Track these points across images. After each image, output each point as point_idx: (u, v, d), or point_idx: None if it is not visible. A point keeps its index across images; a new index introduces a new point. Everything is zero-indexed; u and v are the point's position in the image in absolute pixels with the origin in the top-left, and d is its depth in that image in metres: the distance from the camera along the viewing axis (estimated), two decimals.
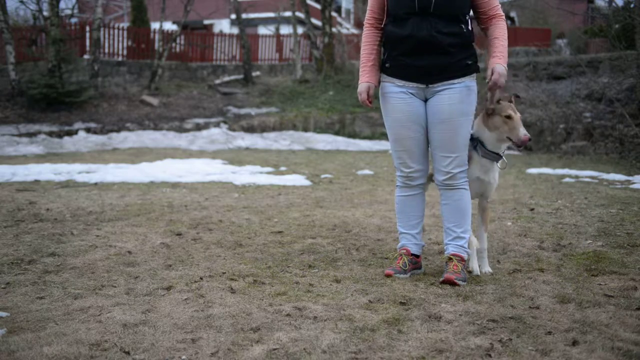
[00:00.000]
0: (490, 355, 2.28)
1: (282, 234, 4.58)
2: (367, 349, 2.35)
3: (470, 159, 3.39)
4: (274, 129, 15.58)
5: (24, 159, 10.13)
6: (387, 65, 3.31)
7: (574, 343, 2.39)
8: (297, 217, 5.26)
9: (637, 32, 13.46)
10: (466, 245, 3.37)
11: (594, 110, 13.99)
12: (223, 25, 28.94)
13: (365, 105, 3.35)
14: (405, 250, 3.46)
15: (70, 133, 13.25)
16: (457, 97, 3.22)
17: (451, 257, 3.32)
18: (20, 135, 12.58)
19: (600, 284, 3.21)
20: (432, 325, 2.61)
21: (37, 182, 7.31)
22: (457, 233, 3.36)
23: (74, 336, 2.45)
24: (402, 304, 2.89)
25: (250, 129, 15.35)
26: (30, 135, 12.67)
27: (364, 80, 3.34)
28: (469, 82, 3.25)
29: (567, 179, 8.15)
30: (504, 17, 3.27)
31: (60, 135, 13.07)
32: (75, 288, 3.14)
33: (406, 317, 2.70)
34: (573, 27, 26.71)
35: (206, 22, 28.55)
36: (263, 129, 15.52)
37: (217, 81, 18.97)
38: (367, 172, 9.01)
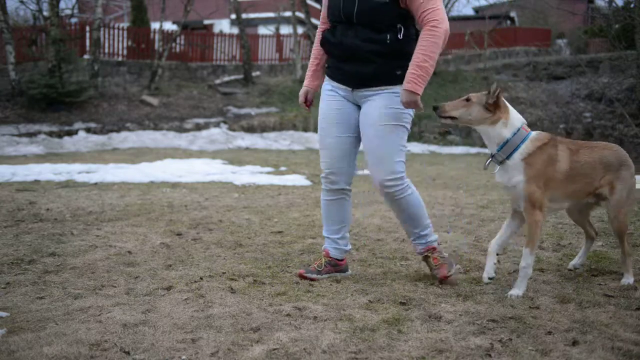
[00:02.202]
0: (490, 355, 2.28)
1: (282, 234, 4.58)
2: (367, 349, 2.35)
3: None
4: (274, 129, 15.58)
5: (24, 159, 10.13)
6: (326, 65, 3.42)
7: (574, 343, 2.39)
8: (297, 217, 5.26)
9: (637, 32, 13.45)
10: (431, 237, 3.35)
11: (594, 110, 14.00)
12: (223, 25, 28.93)
13: (303, 108, 3.50)
14: (325, 252, 3.45)
15: (70, 133, 13.25)
16: (384, 102, 3.15)
17: (426, 254, 3.34)
18: (20, 135, 12.58)
19: (600, 284, 3.21)
20: (432, 325, 2.61)
21: (37, 182, 7.31)
22: (417, 233, 3.35)
23: (74, 336, 2.45)
24: (402, 304, 2.90)
25: (250, 129, 15.35)
26: (30, 135, 12.67)
27: (305, 84, 3.49)
28: (400, 89, 3.08)
29: None
30: (436, 24, 2.97)
31: (60, 135, 13.07)
32: (75, 288, 3.14)
33: (406, 317, 2.70)
34: (573, 27, 26.71)
35: (206, 22, 28.53)
36: (263, 129, 15.52)
37: (217, 81, 18.97)
38: (367, 172, 9.00)
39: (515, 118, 3.04)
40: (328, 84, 3.37)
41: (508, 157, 3.01)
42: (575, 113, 13.98)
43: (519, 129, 3.02)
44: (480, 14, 29.18)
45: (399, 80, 3.10)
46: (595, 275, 3.39)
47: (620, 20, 14.58)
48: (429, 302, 2.92)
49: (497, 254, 3.20)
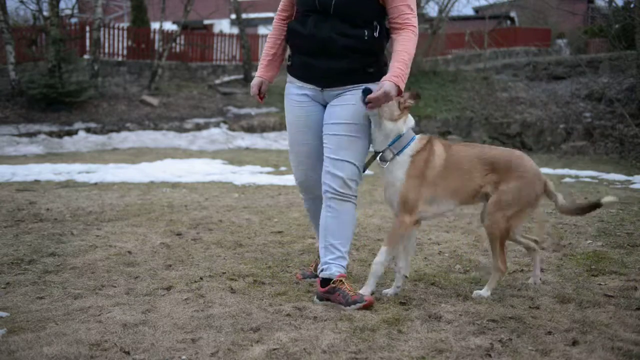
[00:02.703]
0: (490, 355, 2.28)
1: (282, 234, 4.58)
2: (367, 349, 2.35)
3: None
4: (274, 129, 15.57)
5: (24, 159, 10.13)
6: (289, 63, 3.13)
7: (574, 343, 2.39)
8: (297, 217, 5.26)
9: (637, 32, 13.46)
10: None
11: (594, 110, 13.99)
12: (223, 25, 28.92)
13: (257, 101, 3.26)
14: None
15: (70, 133, 13.24)
16: (354, 99, 2.97)
17: (341, 280, 2.92)
18: (20, 135, 12.57)
19: (600, 284, 3.21)
20: (432, 325, 2.61)
21: (37, 182, 7.31)
22: (341, 252, 3.00)
23: (74, 336, 2.45)
24: (402, 304, 2.90)
25: (250, 129, 15.34)
26: (30, 135, 12.66)
27: (258, 75, 3.21)
28: (371, 87, 2.92)
29: (567, 179, 8.15)
30: (414, 30, 2.96)
31: (60, 135, 13.07)
32: (75, 288, 3.14)
33: (406, 317, 2.70)
34: (573, 27, 26.71)
35: (206, 22, 28.53)
36: (263, 129, 15.52)
37: (217, 81, 18.96)
38: (367, 172, 9.00)
39: (410, 118, 3.05)
40: (294, 87, 3.10)
41: (399, 153, 2.96)
42: (575, 113, 13.98)
43: (410, 128, 3.02)
44: (480, 14, 29.16)
45: (370, 78, 2.99)
46: (595, 275, 3.39)
47: (620, 20, 14.58)
48: (429, 302, 2.92)
49: (406, 276, 3.11)
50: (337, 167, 2.96)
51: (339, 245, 2.98)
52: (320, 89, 3.05)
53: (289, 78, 3.14)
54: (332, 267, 2.94)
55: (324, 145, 3.02)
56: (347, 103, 2.99)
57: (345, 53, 2.95)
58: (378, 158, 3.02)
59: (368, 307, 2.83)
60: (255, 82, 3.20)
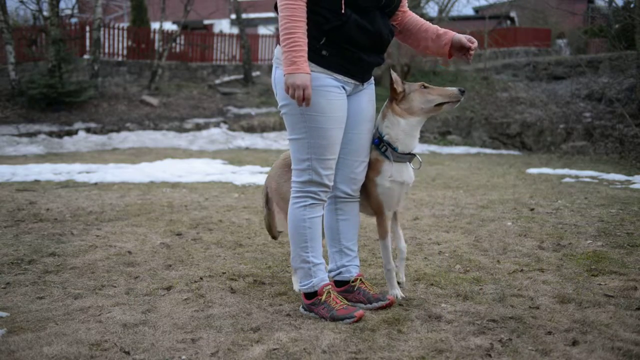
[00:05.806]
0: (490, 355, 2.28)
1: (282, 233, 4.57)
2: (367, 349, 2.35)
3: (380, 164, 2.88)
4: (274, 129, 15.58)
5: (24, 159, 10.13)
6: (324, 53, 2.66)
7: (574, 343, 2.39)
8: None
9: (637, 32, 13.47)
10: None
11: (594, 110, 14.00)
12: (223, 25, 28.95)
13: (307, 105, 2.58)
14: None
15: (70, 133, 13.25)
16: (373, 94, 2.92)
17: (360, 279, 2.94)
18: (20, 135, 12.58)
19: (600, 284, 3.21)
20: (432, 325, 2.61)
21: (37, 182, 7.31)
22: (355, 252, 2.98)
23: (74, 336, 2.45)
24: (402, 304, 2.89)
25: (250, 129, 15.35)
26: (30, 135, 12.67)
27: (305, 70, 2.53)
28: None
29: (567, 179, 8.16)
30: None
31: (60, 135, 13.07)
32: (75, 288, 3.15)
33: (406, 317, 2.70)
34: (573, 27, 26.71)
35: (206, 22, 28.55)
36: (263, 129, 15.52)
37: (217, 81, 18.96)
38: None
39: None
40: (329, 77, 2.67)
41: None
42: (575, 113, 13.99)
43: None
44: (480, 14, 29.18)
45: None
46: (595, 275, 3.39)
47: (620, 20, 14.60)
48: (429, 302, 2.92)
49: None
50: (359, 170, 2.88)
51: (352, 246, 2.97)
52: (360, 84, 2.82)
53: (318, 68, 2.67)
54: (352, 268, 2.95)
55: (348, 145, 2.83)
56: (367, 102, 2.88)
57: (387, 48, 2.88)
58: (417, 159, 2.92)
59: (390, 305, 2.85)
60: (307, 80, 2.53)
